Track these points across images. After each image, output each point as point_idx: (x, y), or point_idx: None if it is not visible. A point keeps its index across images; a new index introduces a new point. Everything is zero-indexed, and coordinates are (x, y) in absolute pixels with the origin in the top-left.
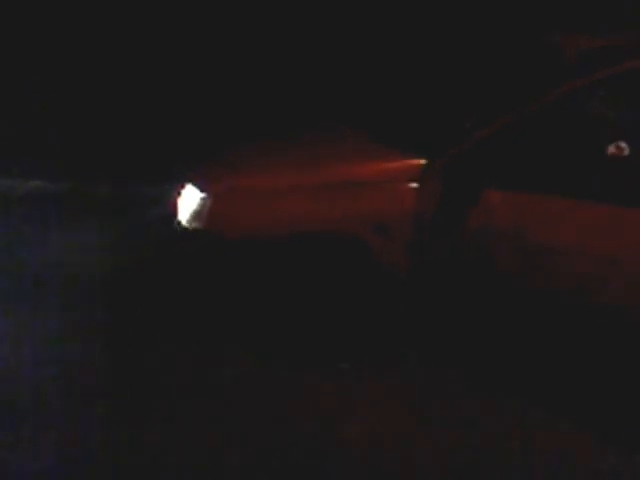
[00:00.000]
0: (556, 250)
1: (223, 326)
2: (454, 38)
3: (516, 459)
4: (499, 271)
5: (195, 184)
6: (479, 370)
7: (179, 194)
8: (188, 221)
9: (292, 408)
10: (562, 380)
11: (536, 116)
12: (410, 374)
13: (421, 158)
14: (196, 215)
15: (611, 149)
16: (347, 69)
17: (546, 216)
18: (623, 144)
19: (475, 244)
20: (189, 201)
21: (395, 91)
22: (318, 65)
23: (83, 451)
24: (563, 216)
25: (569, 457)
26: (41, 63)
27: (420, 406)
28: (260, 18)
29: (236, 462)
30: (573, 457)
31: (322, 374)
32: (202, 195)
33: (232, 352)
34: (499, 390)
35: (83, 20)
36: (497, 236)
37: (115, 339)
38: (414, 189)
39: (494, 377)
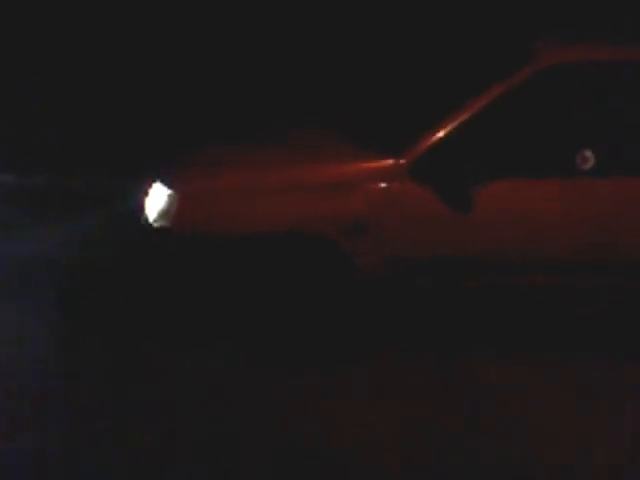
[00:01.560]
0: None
1: (189, 324)
2: (428, 37)
3: None
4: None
5: (163, 182)
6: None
7: (147, 192)
8: (155, 219)
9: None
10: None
11: (488, 111)
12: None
13: (391, 158)
14: (163, 213)
15: (577, 160)
16: (319, 69)
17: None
18: (588, 154)
19: (453, 236)
20: (157, 199)
21: (366, 91)
22: (291, 65)
23: (77, 448)
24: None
25: None
26: (41, 63)
27: (418, 404)
28: (238, 18)
29: (236, 462)
30: None
31: (318, 373)
32: (170, 193)
33: (226, 350)
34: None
35: (83, 20)
36: (476, 227)
37: (98, 337)
38: (383, 189)
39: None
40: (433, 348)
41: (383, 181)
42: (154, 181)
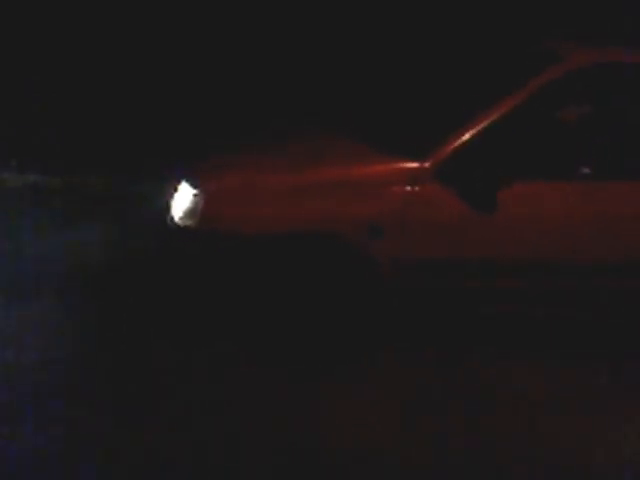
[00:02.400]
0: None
1: (217, 324)
2: (446, 40)
3: None
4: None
5: (189, 182)
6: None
7: (174, 192)
8: (181, 219)
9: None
10: None
11: (515, 112)
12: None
13: (413, 161)
14: (189, 213)
15: (562, 113)
16: (338, 72)
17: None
18: (573, 108)
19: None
20: (183, 199)
21: (386, 94)
22: (310, 68)
23: (81, 448)
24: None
25: None
26: (41, 63)
27: (418, 404)
28: (251, 20)
29: (236, 462)
30: None
31: (319, 373)
32: (195, 193)
33: (225, 350)
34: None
35: (83, 20)
36: (501, 228)
37: (110, 337)
38: (406, 191)
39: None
40: (433, 348)
41: (407, 184)
42: (180, 181)
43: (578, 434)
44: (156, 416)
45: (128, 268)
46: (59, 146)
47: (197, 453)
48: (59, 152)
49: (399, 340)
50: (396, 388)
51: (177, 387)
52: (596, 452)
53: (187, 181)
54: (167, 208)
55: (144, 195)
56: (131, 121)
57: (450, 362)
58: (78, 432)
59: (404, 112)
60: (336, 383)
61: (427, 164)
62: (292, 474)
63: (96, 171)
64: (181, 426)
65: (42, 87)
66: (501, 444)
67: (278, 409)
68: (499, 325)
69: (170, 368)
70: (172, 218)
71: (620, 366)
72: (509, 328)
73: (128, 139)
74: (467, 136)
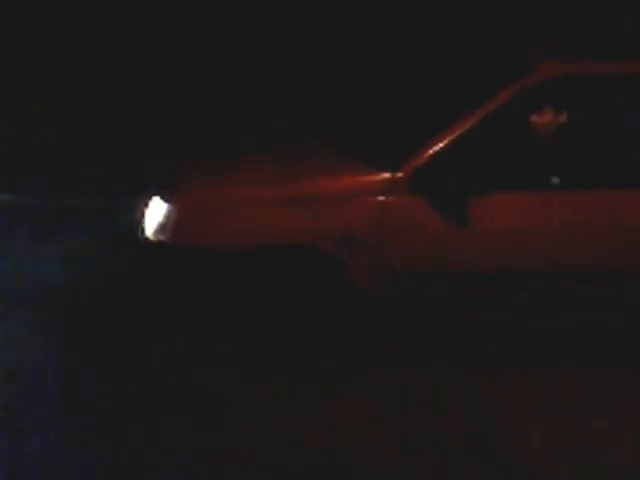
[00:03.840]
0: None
1: (192, 338)
2: (421, 51)
3: None
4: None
5: (161, 196)
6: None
7: (146, 206)
8: (154, 233)
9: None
10: None
11: (486, 123)
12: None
13: (387, 171)
14: (162, 227)
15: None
16: (316, 82)
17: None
18: (548, 109)
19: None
20: (155, 213)
21: (359, 104)
22: (288, 77)
23: (82, 451)
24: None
25: None
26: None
27: (413, 404)
28: (235, 24)
29: (237, 462)
30: None
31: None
32: (168, 207)
33: (198, 351)
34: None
35: (83, 20)
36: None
37: (84, 353)
38: (380, 202)
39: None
40: (433, 349)
41: (380, 194)
42: (152, 195)
43: (578, 434)
44: (156, 416)
45: (101, 284)
46: (30, 163)
47: (197, 453)
48: (29, 169)
49: (399, 340)
50: (396, 389)
51: (177, 387)
52: (596, 452)
53: (159, 195)
54: (139, 223)
55: (114, 210)
56: (99, 133)
57: (450, 363)
58: (78, 432)
59: (378, 122)
60: (336, 383)
61: (400, 174)
62: (292, 474)
63: (65, 187)
64: (181, 426)
65: (42, 87)
66: (501, 444)
67: (278, 409)
68: (499, 326)
69: (170, 369)
70: (145, 234)
71: (620, 367)
72: (509, 329)
73: (98, 154)
74: (440, 146)
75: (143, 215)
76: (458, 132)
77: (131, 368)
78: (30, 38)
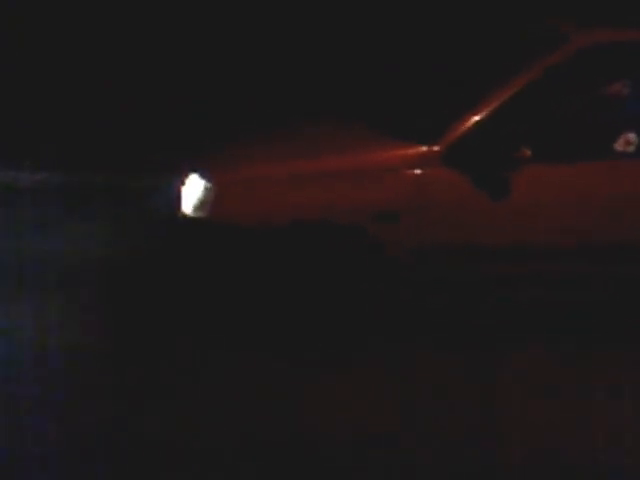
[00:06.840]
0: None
1: (225, 316)
2: (450, 23)
3: None
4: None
5: (200, 174)
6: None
7: (183, 184)
8: (192, 210)
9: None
10: None
11: (523, 94)
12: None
13: (424, 145)
14: (200, 204)
15: (619, 144)
16: (345, 60)
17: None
18: (632, 136)
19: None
20: (193, 191)
21: (393, 79)
22: (317, 56)
23: (85, 441)
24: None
25: None
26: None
27: (413, 403)
28: (259, 11)
29: (237, 461)
30: None
31: (324, 366)
32: (206, 184)
33: (234, 342)
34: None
35: (83, 20)
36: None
37: (117, 331)
38: (416, 176)
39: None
40: (433, 349)
41: (416, 168)
42: (190, 173)
43: (578, 434)
44: (156, 415)
45: (137, 261)
46: (59, 143)
47: (197, 453)
48: (59, 149)
49: (399, 340)
50: (397, 388)
51: (177, 387)
52: (596, 452)
53: (198, 173)
54: (177, 200)
55: (149, 189)
56: (136, 113)
57: (450, 362)
58: (78, 432)
59: (412, 96)
60: (336, 382)
61: (437, 147)
62: (292, 472)
63: (102, 165)
64: (181, 425)
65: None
66: (501, 444)
67: (278, 407)
68: (499, 325)
69: (170, 368)
70: (183, 211)
71: (620, 367)
72: (509, 328)
73: (130, 134)
74: (476, 119)
75: (181, 192)
76: (494, 104)
77: (155, 350)
78: (30, 38)
